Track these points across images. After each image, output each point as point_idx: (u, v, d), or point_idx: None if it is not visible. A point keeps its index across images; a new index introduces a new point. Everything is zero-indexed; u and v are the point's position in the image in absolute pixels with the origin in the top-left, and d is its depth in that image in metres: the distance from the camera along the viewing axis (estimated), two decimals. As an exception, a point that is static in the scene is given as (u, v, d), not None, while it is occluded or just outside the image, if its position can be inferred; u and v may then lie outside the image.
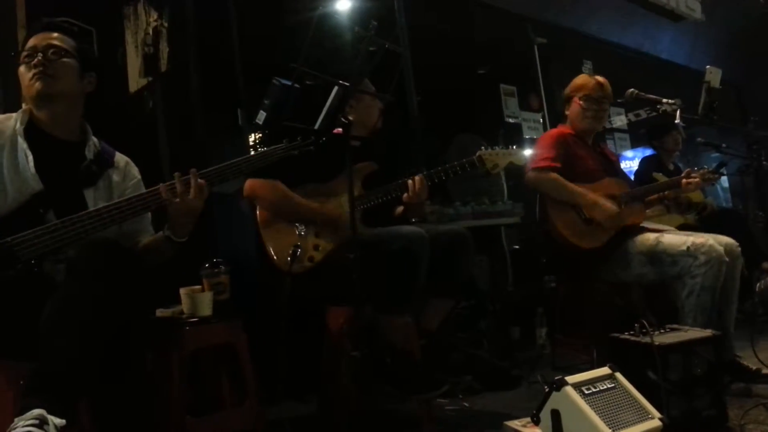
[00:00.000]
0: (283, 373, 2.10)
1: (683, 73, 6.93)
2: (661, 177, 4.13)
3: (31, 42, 1.76)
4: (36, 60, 1.71)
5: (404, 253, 2.03)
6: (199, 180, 1.65)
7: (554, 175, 2.65)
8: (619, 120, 5.93)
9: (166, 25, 2.78)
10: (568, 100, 2.90)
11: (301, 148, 1.78)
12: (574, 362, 2.82)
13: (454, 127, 5.06)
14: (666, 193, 2.98)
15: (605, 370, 1.75)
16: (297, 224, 2.20)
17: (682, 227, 3.89)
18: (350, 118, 1.58)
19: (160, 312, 2.05)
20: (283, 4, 3.65)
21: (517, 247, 4.53)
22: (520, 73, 5.21)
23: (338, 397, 2.21)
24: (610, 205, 2.58)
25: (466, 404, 2.41)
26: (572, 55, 5.66)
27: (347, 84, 1.55)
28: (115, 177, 1.83)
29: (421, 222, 3.79)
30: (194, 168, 1.67)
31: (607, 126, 5.87)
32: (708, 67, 2.51)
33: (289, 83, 1.45)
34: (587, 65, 5.72)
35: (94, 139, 1.83)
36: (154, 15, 2.83)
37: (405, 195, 2.25)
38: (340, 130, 1.59)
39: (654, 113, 5.72)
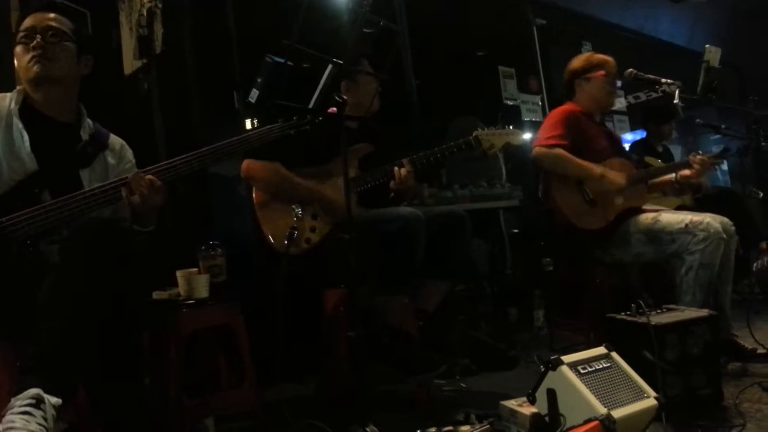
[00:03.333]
0: (281, 354, 2.10)
1: (684, 55, 6.87)
2: (652, 160, 4.13)
3: (29, 22, 1.72)
4: (35, 42, 1.68)
5: (401, 233, 2.03)
6: (148, 176, 1.61)
7: (560, 150, 2.61)
8: (619, 102, 5.89)
9: (160, 5, 2.74)
10: (582, 76, 2.81)
11: (298, 128, 1.76)
12: (572, 343, 2.83)
13: (453, 109, 5.04)
14: (675, 175, 2.94)
15: (601, 350, 1.75)
16: (294, 206, 2.20)
17: (679, 209, 3.89)
18: (345, 97, 1.57)
19: (156, 294, 2.05)
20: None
21: (516, 230, 4.52)
22: (518, 55, 5.17)
23: (335, 378, 2.22)
24: (618, 177, 2.57)
25: (463, 385, 2.42)
26: (571, 37, 5.61)
27: (341, 62, 1.54)
28: (110, 159, 1.81)
29: (416, 204, 3.80)
30: (140, 171, 1.64)
31: (607, 108, 5.84)
32: (707, 46, 2.49)
33: (282, 60, 1.44)
34: (587, 47, 5.67)
35: (89, 120, 1.82)
36: (149, -5, 2.80)
37: (392, 183, 2.24)
38: (335, 109, 1.58)
39: (653, 95, 5.71)
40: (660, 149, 4.32)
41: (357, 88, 2.36)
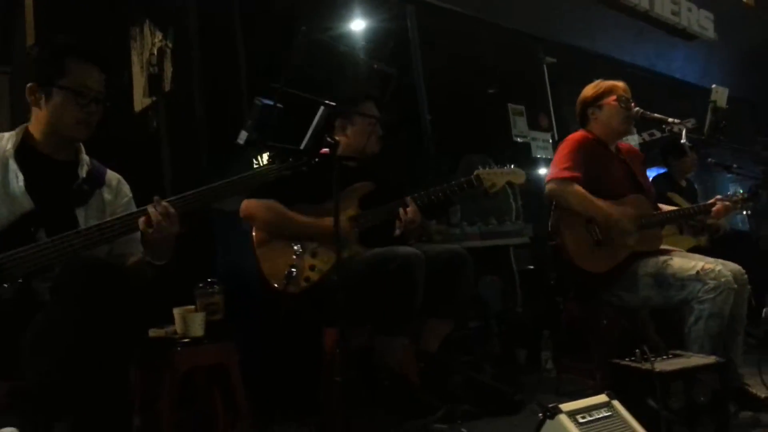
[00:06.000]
0: (279, 394, 2.07)
1: (697, 92, 6.85)
2: (674, 196, 4.07)
3: (87, 78, 1.70)
4: (90, 108, 1.71)
5: (400, 273, 2.01)
6: (163, 204, 1.62)
7: (578, 188, 2.51)
8: (633, 140, 5.86)
9: (170, 45, 2.80)
10: (594, 104, 2.74)
11: (294, 168, 1.76)
12: (580, 387, 2.75)
13: (464, 146, 5.05)
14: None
15: (602, 398, 1.69)
16: (294, 244, 2.19)
17: (694, 249, 3.81)
18: (337, 138, 1.57)
19: (153, 332, 2.04)
20: (290, 23, 3.69)
21: (531, 267, 4.46)
22: (529, 92, 5.19)
23: (335, 420, 2.17)
24: (631, 227, 2.50)
25: (464, 429, 2.34)
26: (582, 74, 5.60)
27: (333, 104, 1.55)
28: (107, 195, 1.82)
29: (424, 242, 3.78)
30: (157, 196, 1.65)
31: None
32: (714, 86, 2.46)
33: (271, 103, 1.45)
34: (598, 84, 5.69)
35: (86, 157, 1.83)
36: (159, 35, 2.86)
37: (398, 222, 2.23)
38: (327, 150, 1.58)
39: (662, 135, 5.68)
40: (683, 183, 4.27)
41: (352, 128, 2.37)
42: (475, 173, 2.30)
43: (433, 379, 2.27)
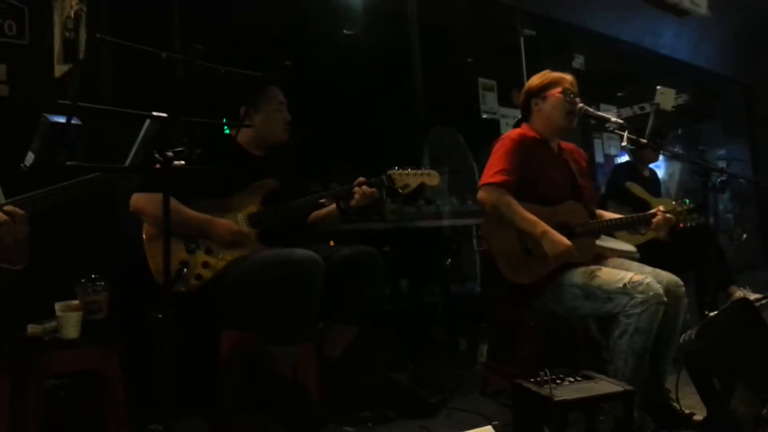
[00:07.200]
0: (160, 397, 1.95)
1: (685, 70, 6.60)
2: (634, 187, 3.90)
3: None
4: None
5: (294, 279, 1.87)
6: (8, 207, 1.47)
7: (509, 198, 2.35)
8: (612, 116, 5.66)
9: (85, 9, 2.59)
10: (539, 95, 2.57)
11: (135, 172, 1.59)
12: (507, 388, 2.65)
13: (431, 118, 4.86)
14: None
15: (487, 430, 1.59)
16: (187, 240, 2.04)
17: (652, 242, 3.66)
18: (169, 154, 1.38)
19: (31, 328, 1.91)
20: None
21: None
22: (502, 66, 4.95)
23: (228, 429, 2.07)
24: (559, 243, 2.29)
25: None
26: (562, 49, 5.38)
27: (163, 115, 1.37)
28: None
29: (377, 221, 3.65)
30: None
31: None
32: (659, 87, 2.28)
33: (62, 120, 1.28)
34: (579, 60, 5.45)
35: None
36: (77, -4, 2.65)
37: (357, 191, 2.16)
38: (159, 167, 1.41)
39: (642, 112, 5.46)
40: (646, 173, 4.10)
41: (258, 116, 2.21)
42: (387, 172, 2.15)
43: (337, 385, 2.17)
